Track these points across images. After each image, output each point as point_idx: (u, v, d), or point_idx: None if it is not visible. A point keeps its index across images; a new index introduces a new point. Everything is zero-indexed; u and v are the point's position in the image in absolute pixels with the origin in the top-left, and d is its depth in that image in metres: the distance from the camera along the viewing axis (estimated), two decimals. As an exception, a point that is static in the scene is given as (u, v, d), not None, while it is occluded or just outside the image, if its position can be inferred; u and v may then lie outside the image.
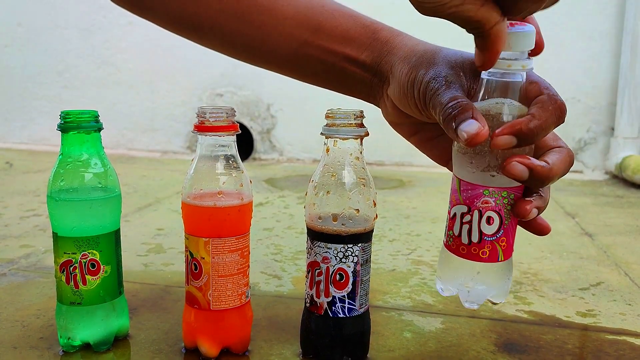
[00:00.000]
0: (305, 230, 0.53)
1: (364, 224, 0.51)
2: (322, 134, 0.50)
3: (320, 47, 0.51)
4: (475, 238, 0.47)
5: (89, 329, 0.54)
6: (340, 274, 0.50)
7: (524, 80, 0.43)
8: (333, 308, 0.51)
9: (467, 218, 0.47)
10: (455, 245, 0.48)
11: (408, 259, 0.88)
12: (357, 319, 0.52)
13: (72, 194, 0.52)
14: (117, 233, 0.55)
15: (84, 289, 0.53)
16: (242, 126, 1.98)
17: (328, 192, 0.50)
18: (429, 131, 0.51)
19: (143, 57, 2.02)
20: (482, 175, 0.45)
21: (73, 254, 0.52)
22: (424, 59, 0.48)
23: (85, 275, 0.52)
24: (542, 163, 0.42)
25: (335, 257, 0.50)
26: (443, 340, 0.60)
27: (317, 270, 0.51)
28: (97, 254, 0.53)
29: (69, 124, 0.51)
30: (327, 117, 0.50)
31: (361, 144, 0.51)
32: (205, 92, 2.02)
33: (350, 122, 0.49)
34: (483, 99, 0.44)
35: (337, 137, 0.50)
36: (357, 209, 0.50)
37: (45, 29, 2.09)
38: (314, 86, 0.58)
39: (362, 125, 0.50)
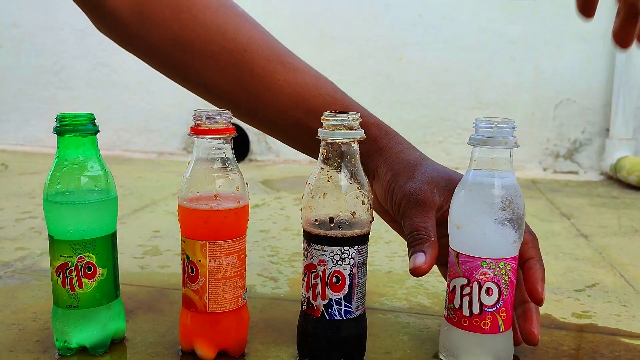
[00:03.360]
0: (302, 232, 0.53)
1: (360, 227, 0.51)
2: (318, 137, 0.50)
3: (312, 129, 0.52)
4: (476, 310, 0.49)
5: (86, 332, 0.54)
6: (336, 277, 0.50)
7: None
8: (330, 310, 0.51)
9: (467, 290, 0.49)
10: (456, 318, 0.50)
11: (404, 261, 0.89)
12: (353, 321, 0.52)
13: (68, 197, 0.52)
14: (113, 236, 0.55)
15: (80, 292, 0.53)
16: (238, 127, 1.97)
17: (324, 194, 0.50)
18: None
19: (139, 58, 2.02)
20: (479, 247, 0.48)
21: (69, 257, 0.52)
22: (405, 170, 0.55)
23: (82, 279, 0.52)
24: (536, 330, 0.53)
25: (331, 259, 0.50)
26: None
27: (314, 273, 0.51)
28: (94, 257, 0.53)
29: (65, 127, 0.51)
30: (324, 119, 0.50)
31: (358, 146, 0.51)
32: (202, 93, 2.02)
33: (346, 125, 0.50)
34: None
35: (333, 140, 0.50)
36: (354, 212, 0.50)
37: (41, 29, 2.08)
38: None
39: (358, 128, 0.50)
